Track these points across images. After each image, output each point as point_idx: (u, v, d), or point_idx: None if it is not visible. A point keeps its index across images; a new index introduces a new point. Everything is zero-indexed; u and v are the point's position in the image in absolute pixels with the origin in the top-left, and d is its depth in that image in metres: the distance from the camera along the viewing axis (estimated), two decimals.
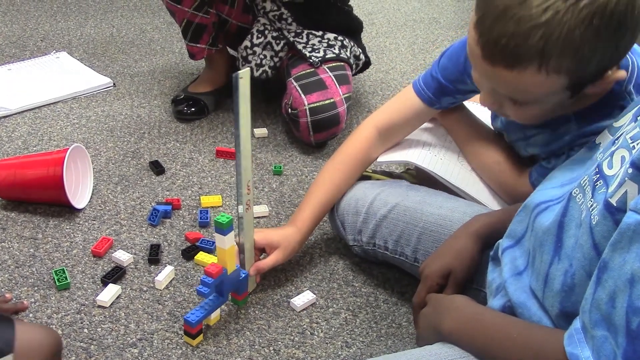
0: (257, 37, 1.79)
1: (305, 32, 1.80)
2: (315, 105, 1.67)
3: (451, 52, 1.22)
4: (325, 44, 1.79)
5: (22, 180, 1.38)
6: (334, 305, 1.23)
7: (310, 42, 1.79)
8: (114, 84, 1.98)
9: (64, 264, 1.27)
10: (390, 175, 1.48)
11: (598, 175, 0.72)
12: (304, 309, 1.21)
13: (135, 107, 1.87)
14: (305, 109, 1.66)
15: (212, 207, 1.47)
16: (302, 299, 1.22)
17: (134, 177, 1.55)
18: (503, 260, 0.89)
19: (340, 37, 1.82)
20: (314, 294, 1.24)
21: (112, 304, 1.18)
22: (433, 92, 1.24)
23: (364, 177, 1.45)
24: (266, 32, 1.79)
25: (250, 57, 1.79)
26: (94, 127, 1.75)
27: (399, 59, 2.39)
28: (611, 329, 0.60)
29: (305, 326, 1.17)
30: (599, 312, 0.62)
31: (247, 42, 1.79)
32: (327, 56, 1.76)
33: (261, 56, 1.79)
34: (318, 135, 1.69)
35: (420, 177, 1.39)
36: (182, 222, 1.41)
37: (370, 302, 1.24)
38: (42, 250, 1.30)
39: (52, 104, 1.85)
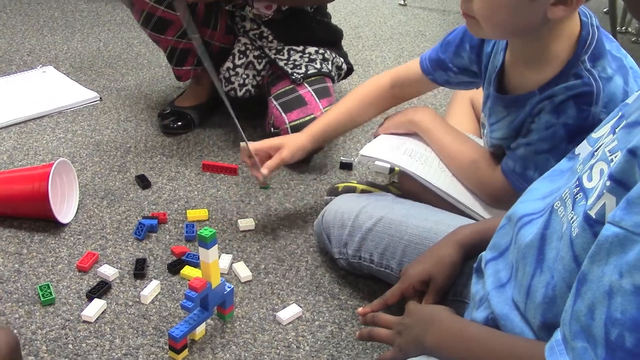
0: (239, 58, 1.80)
1: (286, 48, 1.81)
2: (296, 122, 1.67)
3: (455, 30, 1.34)
4: (306, 59, 1.80)
5: (7, 195, 1.38)
6: (320, 319, 1.23)
7: (291, 59, 1.79)
8: (100, 98, 1.98)
9: (48, 279, 1.26)
10: (375, 185, 1.49)
11: (578, 188, 0.73)
12: (289, 323, 1.21)
13: (121, 121, 1.87)
14: (287, 128, 1.67)
15: (198, 221, 1.46)
16: (288, 312, 1.22)
17: (120, 192, 1.55)
18: (486, 272, 0.90)
19: (321, 50, 1.83)
20: (300, 307, 1.24)
21: (97, 319, 1.18)
22: (430, 63, 1.37)
23: (350, 189, 1.47)
24: (247, 51, 1.80)
25: (232, 78, 1.80)
26: (80, 142, 1.75)
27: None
28: (591, 340, 0.61)
29: (291, 340, 1.17)
30: (579, 323, 0.62)
31: (229, 63, 1.80)
32: (309, 72, 1.77)
33: (244, 76, 1.80)
34: None
35: (405, 190, 1.41)
36: (168, 236, 1.41)
37: (356, 315, 1.24)
38: (26, 265, 1.29)
39: (38, 118, 1.85)
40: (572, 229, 0.70)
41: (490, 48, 1.24)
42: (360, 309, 1.09)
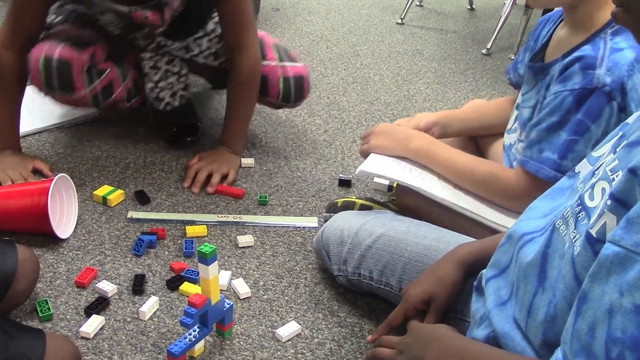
0: (154, 74, 1.75)
1: (189, 39, 1.75)
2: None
3: None
4: (216, 40, 1.77)
5: (6, 210, 1.37)
6: (319, 336, 1.23)
7: (204, 47, 1.76)
8: (99, 113, 1.99)
9: (47, 294, 1.26)
10: (374, 201, 1.50)
11: (580, 207, 0.74)
12: (289, 340, 1.21)
13: (120, 136, 1.88)
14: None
15: (197, 237, 1.46)
16: (287, 329, 1.22)
17: (119, 207, 1.55)
18: (487, 290, 0.90)
19: (215, 17, 1.76)
20: (299, 324, 1.24)
21: (95, 335, 1.17)
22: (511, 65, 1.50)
23: (349, 204, 1.47)
24: (157, 64, 1.75)
25: (160, 94, 1.76)
26: (79, 157, 1.75)
27: (383, 90, 2.42)
28: (591, 359, 0.61)
29: (290, 357, 1.17)
30: (580, 342, 0.63)
31: (148, 84, 1.76)
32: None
33: (168, 86, 1.76)
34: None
35: (402, 206, 1.41)
36: (167, 252, 1.41)
37: (355, 333, 1.24)
38: None
39: (37, 133, 1.85)
40: (574, 248, 0.70)
41: (546, 31, 1.32)
42: (369, 337, 1.10)
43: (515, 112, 1.37)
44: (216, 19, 1.75)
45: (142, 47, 1.74)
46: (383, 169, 1.37)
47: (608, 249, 0.62)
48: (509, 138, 1.39)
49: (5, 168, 1.55)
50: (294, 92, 1.80)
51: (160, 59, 1.75)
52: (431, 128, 1.49)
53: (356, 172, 1.43)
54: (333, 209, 1.50)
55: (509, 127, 1.39)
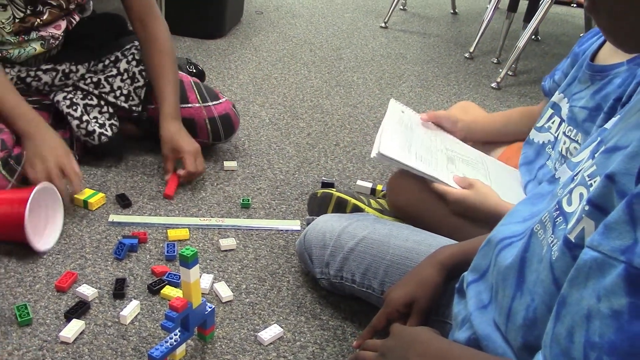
0: (74, 111, 1.66)
1: (101, 76, 1.72)
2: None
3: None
4: (128, 81, 1.73)
5: None
6: (302, 339, 1.23)
7: (115, 87, 1.72)
8: None
9: (26, 299, 1.25)
10: (354, 196, 1.49)
11: (558, 212, 0.75)
12: (271, 343, 1.21)
13: None
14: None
15: (179, 240, 1.46)
16: (270, 332, 1.21)
17: (100, 210, 1.54)
18: (468, 293, 0.91)
19: (129, 55, 1.75)
20: (282, 327, 1.24)
21: (75, 339, 1.16)
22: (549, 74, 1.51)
23: (327, 195, 1.47)
24: (74, 100, 1.67)
25: (89, 127, 1.66)
26: None
27: (366, 93, 2.43)
28: None
29: None
30: (559, 346, 0.63)
31: (73, 122, 1.66)
32: (142, 97, 1.73)
33: (93, 119, 1.68)
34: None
35: (394, 206, 1.42)
36: (148, 256, 1.40)
37: (337, 335, 1.24)
38: (4, 285, 1.28)
39: None
40: (552, 253, 0.71)
41: (597, 36, 1.33)
42: (354, 343, 1.11)
43: (550, 111, 1.39)
44: (129, 57, 1.74)
45: (50, 85, 1.67)
46: (402, 156, 1.39)
47: (586, 254, 0.62)
48: (541, 136, 1.41)
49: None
50: (223, 130, 1.79)
51: (74, 96, 1.68)
52: (457, 123, 1.56)
53: (372, 155, 1.40)
54: (313, 200, 1.50)
55: (540, 124, 1.42)
